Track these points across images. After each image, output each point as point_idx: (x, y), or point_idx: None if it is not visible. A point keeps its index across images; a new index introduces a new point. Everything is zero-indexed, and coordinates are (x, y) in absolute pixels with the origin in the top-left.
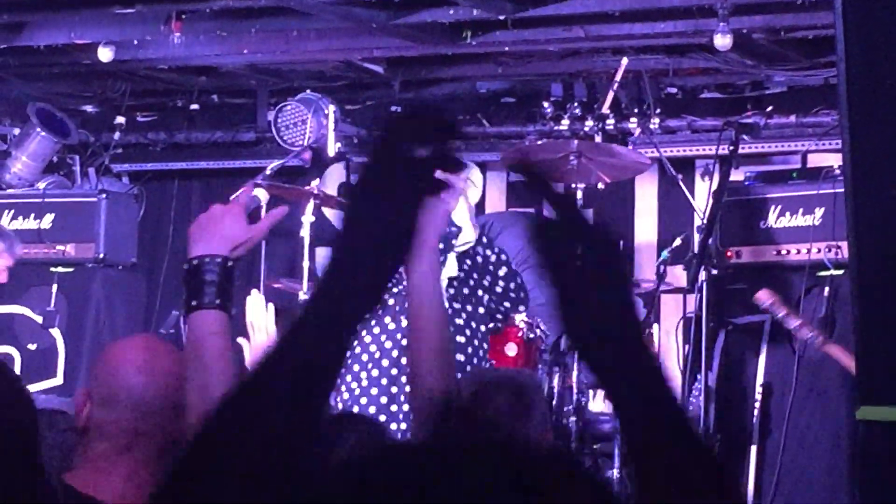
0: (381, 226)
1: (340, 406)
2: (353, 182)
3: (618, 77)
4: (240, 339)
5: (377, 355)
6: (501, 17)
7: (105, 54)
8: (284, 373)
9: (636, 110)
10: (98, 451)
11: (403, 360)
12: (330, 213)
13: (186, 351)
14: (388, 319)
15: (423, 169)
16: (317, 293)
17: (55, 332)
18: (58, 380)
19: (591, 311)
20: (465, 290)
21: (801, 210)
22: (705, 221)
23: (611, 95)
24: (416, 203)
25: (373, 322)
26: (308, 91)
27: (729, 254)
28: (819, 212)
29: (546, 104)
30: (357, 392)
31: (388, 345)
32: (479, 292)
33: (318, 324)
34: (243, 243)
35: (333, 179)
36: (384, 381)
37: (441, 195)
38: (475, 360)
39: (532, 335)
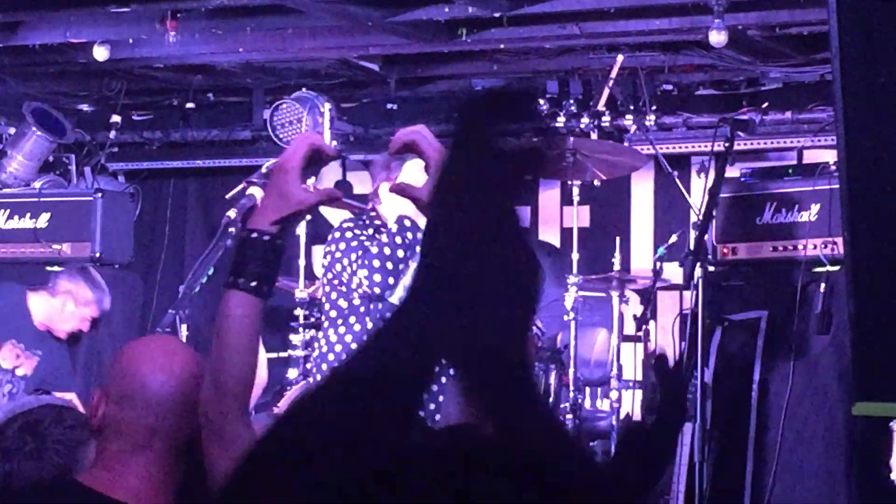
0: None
1: None
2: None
3: (613, 74)
4: None
5: (343, 357)
6: (497, 15)
7: (100, 53)
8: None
9: (632, 107)
10: (113, 449)
11: None
12: (326, 211)
13: (216, 324)
14: (352, 319)
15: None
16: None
17: None
18: None
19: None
20: None
21: (796, 206)
22: (701, 218)
23: (606, 92)
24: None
25: (339, 321)
26: (304, 89)
27: (725, 250)
28: (815, 208)
29: (542, 101)
30: None
31: (354, 346)
32: None
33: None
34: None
35: (329, 178)
36: None
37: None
38: None
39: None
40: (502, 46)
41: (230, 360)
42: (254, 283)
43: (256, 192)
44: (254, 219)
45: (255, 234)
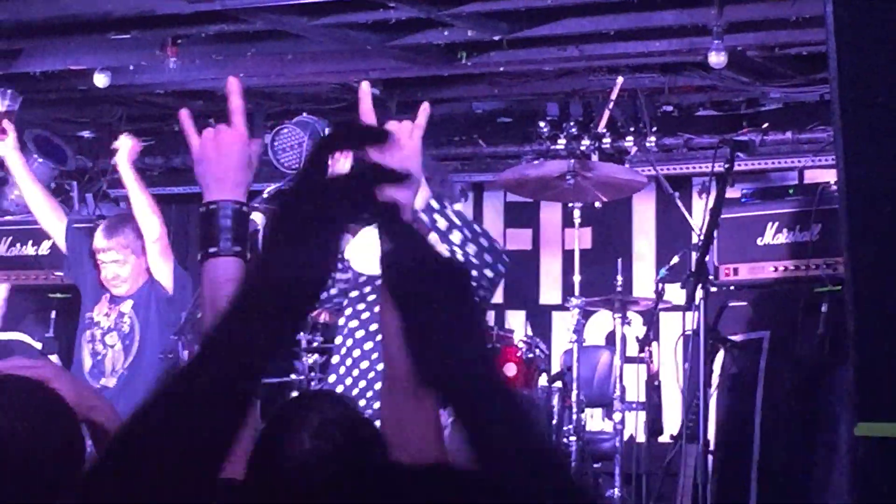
0: (298, 264)
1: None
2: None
3: (613, 96)
4: None
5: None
6: (496, 38)
7: (101, 80)
8: (195, 394)
9: (632, 129)
10: None
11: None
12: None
13: (203, 297)
14: (361, 306)
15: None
16: (225, 317)
17: (54, 359)
18: None
19: (439, 341)
20: None
21: (798, 226)
22: (702, 239)
23: (607, 114)
24: (336, 237)
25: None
26: (304, 114)
27: (726, 271)
28: (816, 228)
29: (542, 123)
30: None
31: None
32: None
33: (224, 353)
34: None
35: None
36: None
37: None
38: None
39: (531, 355)
40: (502, 69)
41: None
42: (237, 248)
43: (258, 217)
44: (212, 192)
45: (224, 203)
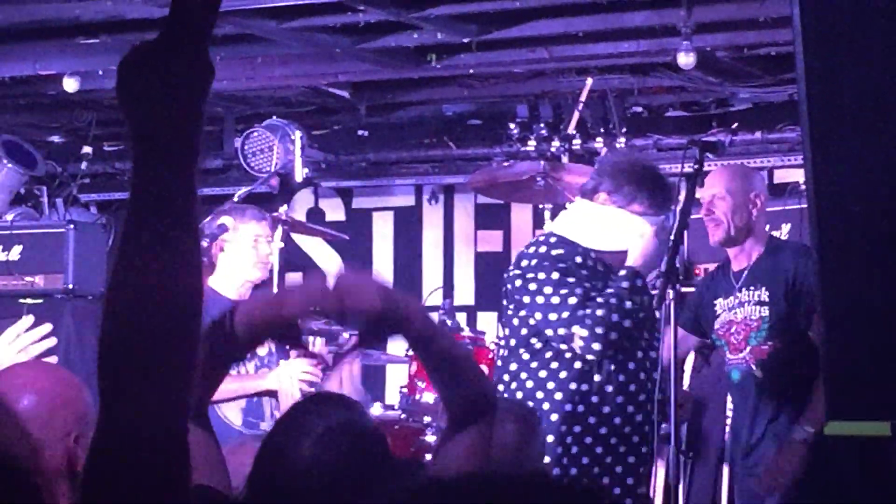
0: None
1: None
2: None
3: (583, 97)
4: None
5: None
6: (466, 40)
7: (70, 85)
8: None
9: (602, 130)
10: None
11: None
12: (299, 238)
13: None
14: None
15: None
16: None
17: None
18: None
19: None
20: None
21: (767, 226)
22: (672, 239)
23: (576, 115)
24: None
25: None
26: (274, 117)
27: (697, 271)
28: (785, 228)
29: (512, 125)
30: None
31: None
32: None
33: None
34: None
35: (301, 205)
36: None
37: None
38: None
39: None
40: (472, 71)
41: None
42: None
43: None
44: None
45: None
